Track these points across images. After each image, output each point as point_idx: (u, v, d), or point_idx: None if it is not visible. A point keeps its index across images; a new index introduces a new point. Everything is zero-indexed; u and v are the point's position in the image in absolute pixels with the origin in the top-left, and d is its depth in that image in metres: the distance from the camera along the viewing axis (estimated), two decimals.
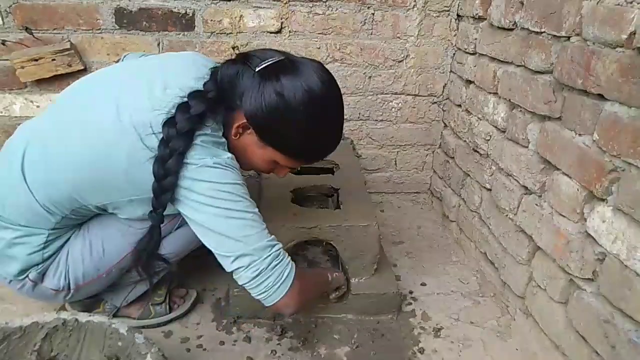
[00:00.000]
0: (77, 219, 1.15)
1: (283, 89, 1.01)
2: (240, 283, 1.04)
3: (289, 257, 1.09)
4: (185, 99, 1.02)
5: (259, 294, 1.04)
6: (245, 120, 1.05)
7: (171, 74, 1.08)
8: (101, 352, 1.08)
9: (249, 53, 1.10)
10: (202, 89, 1.05)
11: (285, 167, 1.18)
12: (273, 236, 1.06)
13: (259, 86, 1.02)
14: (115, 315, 1.34)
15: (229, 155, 1.05)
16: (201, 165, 1.00)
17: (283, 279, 1.04)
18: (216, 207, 1.00)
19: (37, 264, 1.14)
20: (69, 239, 1.17)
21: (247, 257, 1.01)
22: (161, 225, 1.10)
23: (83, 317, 1.08)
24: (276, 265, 1.04)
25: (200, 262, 1.67)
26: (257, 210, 1.05)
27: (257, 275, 1.02)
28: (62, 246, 1.16)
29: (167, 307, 1.38)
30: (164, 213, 1.06)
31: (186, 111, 1.00)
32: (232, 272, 1.03)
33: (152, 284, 1.25)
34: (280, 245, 1.07)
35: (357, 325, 1.41)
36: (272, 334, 1.36)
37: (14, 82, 1.75)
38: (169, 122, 0.99)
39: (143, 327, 1.31)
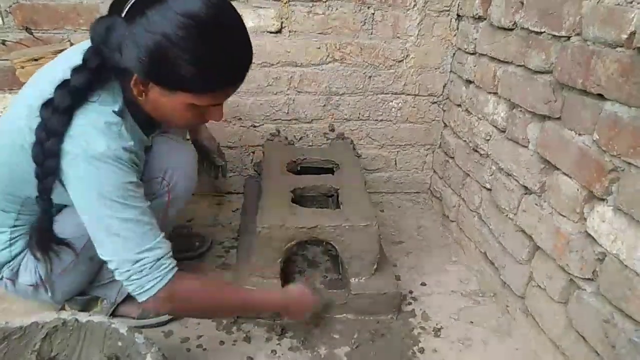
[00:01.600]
0: (34, 215, 1.12)
1: (153, 25, 0.87)
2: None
3: (163, 268, 0.99)
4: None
5: (131, 292, 1.01)
6: (136, 75, 0.94)
7: (61, 60, 1.04)
8: (101, 352, 1.08)
9: (115, 0, 0.96)
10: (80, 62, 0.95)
11: (208, 108, 1.04)
12: (151, 243, 0.98)
13: (130, 32, 0.89)
14: (114, 315, 1.34)
15: (117, 145, 0.96)
16: (76, 156, 0.93)
17: (144, 289, 0.98)
18: (89, 207, 0.97)
19: (8, 262, 1.18)
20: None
21: (113, 264, 0.98)
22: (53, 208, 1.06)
23: (83, 317, 1.08)
24: (135, 280, 0.98)
25: (200, 262, 1.68)
26: (138, 210, 0.98)
27: (124, 280, 0.99)
28: (27, 242, 1.17)
29: None
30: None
31: (64, 86, 0.94)
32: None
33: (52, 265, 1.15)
34: (156, 254, 0.99)
35: (357, 325, 1.41)
36: (272, 333, 1.36)
37: (14, 82, 1.74)
38: (47, 102, 0.94)
39: (142, 327, 1.31)
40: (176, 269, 1.02)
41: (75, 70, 0.95)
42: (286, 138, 2.07)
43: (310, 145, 2.11)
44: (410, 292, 1.58)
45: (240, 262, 1.50)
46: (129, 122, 1.05)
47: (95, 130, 0.95)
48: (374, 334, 1.38)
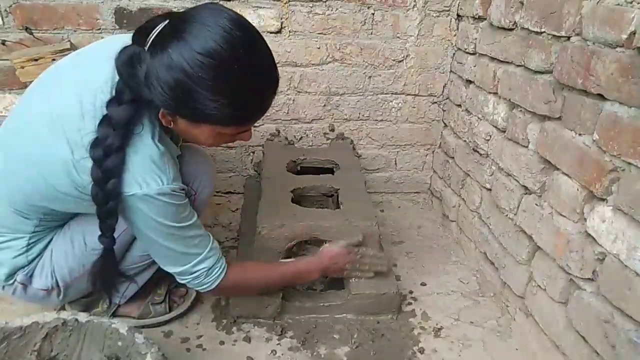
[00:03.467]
0: (56, 221, 1.16)
1: (173, 62, 0.87)
2: None
3: (215, 273, 1.17)
4: (105, 113, 0.95)
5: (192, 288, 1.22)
6: (162, 109, 0.95)
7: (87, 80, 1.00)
8: (101, 352, 1.08)
9: (140, 27, 0.95)
10: (114, 94, 0.95)
11: (237, 133, 1.05)
12: (203, 253, 1.14)
13: (153, 67, 0.88)
14: (114, 315, 1.34)
15: (167, 180, 1.00)
16: (133, 195, 0.97)
17: (202, 288, 1.18)
18: (148, 236, 1.07)
19: (23, 267, 1.16)
20: (52, 239, 1.18)
21: (173, 272, 1.15)
22: (114, 246, 1.09)
23: (83, 317, 1.08)
24: (195, 283, 1.17)
25: None
26: (190, 228, 1.10)
27: (184, 283, 1.18)
28: (46, 247, 1.18)
29: (167, 306, 1.38)
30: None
31: (109, 124, 0.94)
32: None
33: (112, 296, 1.32)
34: (208, 263, 1.15)
35: (357, 325, 1.41)
36: (272, 333, 1.36)
37: (14, 82, 1.74)
38: (95, 142, 0.94)
39: (143, 326, 1.31)
40: (226, 268, 1.19)
41: (112, 104, 0.94)
42: (286, 138, 2.07)
43: (310, 145, 2.11)
44: (410, 292, 1.58)
45: None
46: (165, 140, 1.06)
47: (149, 169, 0.98)
48: (374, 334, 1.38)
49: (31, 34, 1.73)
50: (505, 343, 1.38)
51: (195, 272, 1.14)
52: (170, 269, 1.14)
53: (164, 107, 0.94)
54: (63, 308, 1.35)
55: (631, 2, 0.95)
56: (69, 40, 1.76)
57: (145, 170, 0.98)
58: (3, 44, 1.72)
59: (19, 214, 1.10)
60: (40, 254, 1.18)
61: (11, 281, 1.17)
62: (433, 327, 1.42)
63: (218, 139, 1.05)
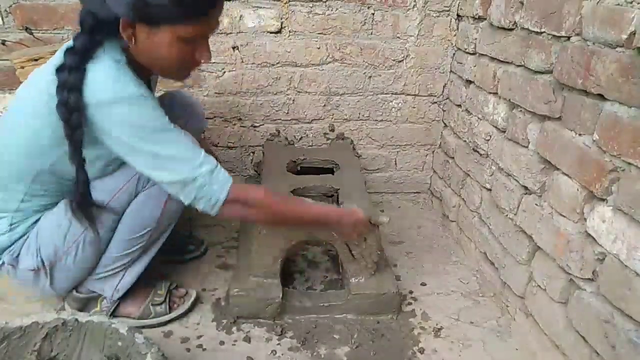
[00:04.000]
0: (40, 197, 1.20)
1: None
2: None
3: (221, 177, 1.10)
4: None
5: (203, 210, 1.11)
6: (124, 19, 1.00)
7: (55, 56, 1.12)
8: (101, 352, 1.08)
9: None
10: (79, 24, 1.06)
11: (196, 41, 1.08)
12: (200, 158, 1.08)
13: None
14: (114, 315, 1.34)
15: (137, 84, 1.05)
16: (108, 103, 1.01)
17: (212, 202, 1.09)
18: (135, 145, 1.05)
19: (6, 247, 1.21)
20: (37, 221, 1.22)
21: (176, 188, 1.08)
22: (86, 168, 1.11)
23: (83, 317, 1.08)
24: (202, 196, 1.08)
25: (199, 263, 1.68)
26: (176, 133, 1.08)
27: (192, 201, 1.09)
28: (29, 228, 1.22)
29: (167, 307, 1.38)
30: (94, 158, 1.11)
31: (71, 51, 1.03)
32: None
33: (97, 231, 1.21)
34: (208, 167, 1.08)
35: (357, 325, 1.41)
36: (272, 334, 1.36)
37: (14, 82, 1.73)
38: (60, 67, 1.02)
39: (143, 327, 1.31)
40: (231, 177, 1.11)
41: (76, 36, 1.05)
42: (286, 138, 2.07)
43: (310, 145, 2.11)
44: (410, 292, 1.58)
45: (241, 262, 1.50)
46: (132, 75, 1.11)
47: (114, 76, 1.03)
48: (374, 334, 1.38)
49: (31, 34, 1.73)
50: (505, 343, 1.38)
51: (197, 177, 1.06)
52: (170, 182, 1.07)
53: (123, 14, 1.00)
54: (63, 308, 1.36)
55: (631, 2, 0.95)
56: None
57: (111, 79, 1.03)
58: (3, 44, 1.72)
59: (4, 190, 1.17)
60: (23, 234, 1.21)
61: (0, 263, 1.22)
62: (433, 327, 1.42)
63: (178, 50, 1.06)
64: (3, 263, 1.23)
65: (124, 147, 1.06)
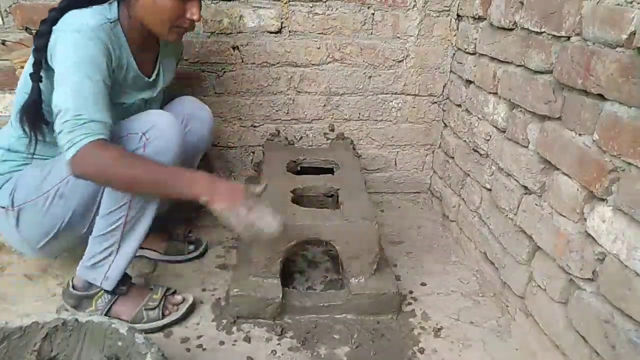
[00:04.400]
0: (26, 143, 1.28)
1: None
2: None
3: (94, 128, 1.10)
4: None
5: (62, 146, 1.12)
6: None
7: None
8: (101, 352, 1.08)
9: None
10: None
11: (185, 3, 1.25)
12: (93, 108, 1.12)
13: None
14: (107, 315, 1.33)
15: (96, 24, 1.18)
16: (64, 31, 1.16)
17: (73, 143, 1.09)
18: (64, 64, 1.14)
19: None
20: (23, 164, 1.32)
21: (59, 110, 1.11)
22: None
23: (83, 317, 1.08)
24: (69, 132, 1.09)
25: (199, 263, 1.68)
26: (97, 85, 1.14)
27: (61, 130, 1.11)
28: (13, 168, 1.32)
29: (161, 312, 1.36)
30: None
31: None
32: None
33: (37, 139, 1.28)
34: (92, 116, 1.11)
35: (357, 325, 1.41)
36: (272, 334, 1.36)
37: (13, 82, 1.73)
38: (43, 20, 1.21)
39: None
40: (104, 137, 1.12)
41: None
42: (286, 138, 2.07)
43: (310, 145, 2.11)
44: (410, 292, 1.58)
45: (240, 262, 1.50)
46: (118, 33, 1.26)
47: (84, 14, 1.19)
48: (374, 334, 1.38)
49: (31, 33, 1.72)
50: (505, 343, 1.38)
51: (78, 115, 1.09)
52: (60, 103, 1.11)
53: None
54: (64, 309, 1.36)
55: (631, 2, 0.95)
56: None
57: (79, 15, 1.19)
58: (3, 44, 1.72)
59: (9, 125, 1.33)
60: (6, 172, 1.32)
61: None
62: (433, 327, 1.42)
63: (171, 5, 1.23)
64: None
65: (57, 65, 1.15)
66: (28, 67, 1.23)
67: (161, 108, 1.51)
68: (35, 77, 1.20)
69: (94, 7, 1.22)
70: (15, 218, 1.30)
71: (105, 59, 1.18)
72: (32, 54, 1.20)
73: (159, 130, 1.23)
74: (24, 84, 1.25)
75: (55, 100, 1.12)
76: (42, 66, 1.19)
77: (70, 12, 1.19)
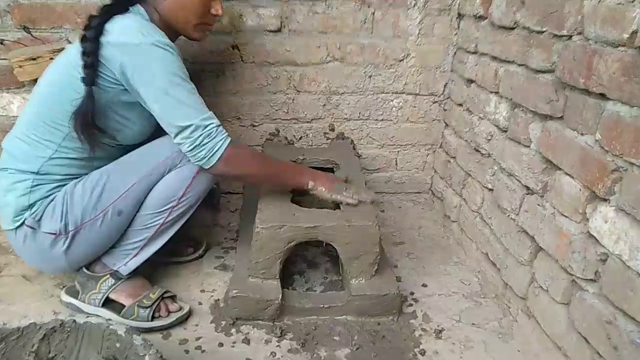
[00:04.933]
0: (66, 159, 1.28)
1: None
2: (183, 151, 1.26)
3: (224, 133, 1.26)
4: None
5: (197, 162, 1.25)
6: None
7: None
8: (99, 354, 1.07)
9: None
10: None
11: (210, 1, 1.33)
12: (209, 112, 1.25)
13: None
14: (105, 302, 1.36)
15: (165, 37, 1.22)
16: (137, 45, 1.18)
17: (214, 150, 1.24)
18: (159, 83, 1.19)
19: (25, 209, 1.25)
20: (58, 186, 1.28)
21: (187, 131, 1.21)
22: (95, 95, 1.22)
23: (81, 318, 1.08)
24: (207, 142, 1.23)
25: (199, 264, 1.68)
26: (193, 87, 1.24)
27: (196, 146, 1.22)
28: (50, 191, 1.27)
29: (151, 314, 1.35)
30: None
31: (96, 14, 1.23)
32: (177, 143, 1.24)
33: (94, 150, 1.29)
34: (216, 121, 1.25)
35: (358, 326, 1.40)
36: (272, 335, 1.35)
37: (11, 81, 1.74)
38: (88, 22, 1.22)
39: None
40: (230, 137, 1.27)
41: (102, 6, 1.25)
42: (286, 138, 2.06)
43: (310, 145, 2.10)
44: (411, 293, 1.57)
45: (240, 263, 1.50)
46: None
47: (146, 25, 1.22)
48: (375, 336, 1.37)
49: (29, 33, 1.72)
50: (507, 344, 1.37)
51: (208, 125, 1.22)
52: (183, 123, 1.20)
53: None
54: (60, 312, 1.35)
55: (633, 1, 0.94)
56: (67, 39, 1.75)
57: (142, 26, 1.21)
58: (1, 43, 1.71)
59: (35, 144, 1.26)
60: (45, 197, 1.26)
61: (19, 223, 1.25)
62: (434, 328, 1.41)
63: (202, 3, 1.31)
64: (22, 224, 1.25)
65: (144, 86, 1.20)
66: (55, 74, 1.27)
67: None
68: (90, 81, 1.20)
69: (132, 14, 1.26)
70: (67, 243, 1.28)
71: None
72: (80, 57, 1.19)
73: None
74: (55, 92, 1.26)
75: (170, 119, 1.21)
76: (96, 71, 1.20)
77: (120, 22, 1.21)
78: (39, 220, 1.26)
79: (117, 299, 1.37)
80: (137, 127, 1.34)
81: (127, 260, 1.36)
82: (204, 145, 1.22)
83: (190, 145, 1.22)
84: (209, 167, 1.26)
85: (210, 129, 1.22)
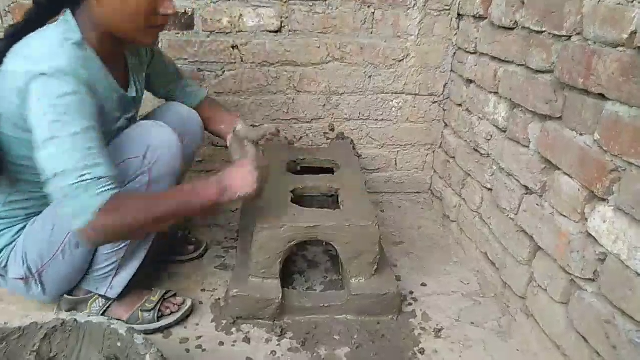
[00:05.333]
0: (20, 204, 1.20)
1: None
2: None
3: (103, 188, 0.99)
4: None
5: (70, 215, 1.00)
6: None
7: None
8: (100, 353, 1.07)
9: None
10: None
11: None
12: (95, 161, 0.99)
13: None
14: (104, 316, 1.32)
15: (66, 63, 1.00)
16: (30, 74, 0.98)
17: (83, 207, 0.98)
18: (40, 120, 0.98)
19: None
20: (22, 229, 1.21)
21: (57, 178, 0.97)
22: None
23: (82, 317, 1.08)
24: (76, 196, 0.97)
25: (199, 263, 1.68)
26: (86, 129, 1.00)
27: (64, 196, 0.98)
28: (14, 236, 1.22)
29: (156, 315, 1.35)
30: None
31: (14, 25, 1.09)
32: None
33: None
34: (99, 171, 0.99)
35: (357, 326, 1.40)
36: (272, 334, 1.36)
37: None
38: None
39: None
40: (114, 190, 1.01)
41: (25, 14, 1.09)
42: (286, 138, 2.06)
43: (310, 145, 2.10)
44: (411, 292, 1.57)
45: (240, 262, 1.50)
46: (90, 55, 1.10)
47: (46, 45, 1.03)
48: (374, 335, 1.38)
49: None
50: (506, 344, 1.37)
51: (84, 175, 0.97)
52: (55, 169, 0.97)
53: None
54: (60, 309, 1.35)
55: (632, 2, 0.95)
56: None
57: (44, 52, 1.02)
58: None
59: None
60: (9, 243, 1.21)
61: None
62: (434, 327, 1.42)
63: (145, 3, 1.07)
64: None
65: (34, 120, 0.99)
66: None
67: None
68: None
69: (49, 27, 1.08)
70: (38, 283, 1.23)
71: (89, 98, 1.03)
72: None
73: (160, 149, 1.19)
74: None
75: (44, 163, 0.98)
76: None
77: (26, 42, 1.04)
78: (5, 267, 1.22)
79: (118, 317, 1.31)
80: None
81: (109, 282, 1.29)
82: (71, 199, 0.98)
83: (57, 197, 1.00)
84: (76, 232, 1.01)
85: (81, 180, 0.97)
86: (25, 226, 1.22)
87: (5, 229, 1.21)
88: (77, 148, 0.98)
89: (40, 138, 0.98)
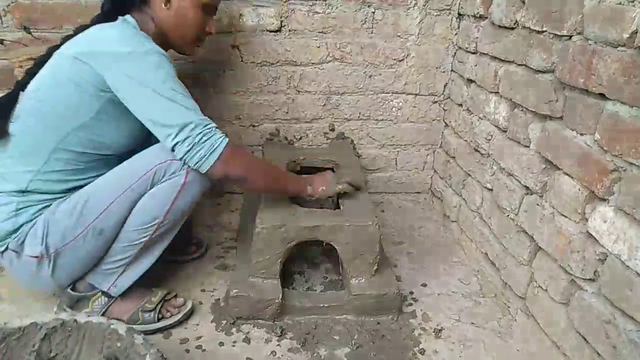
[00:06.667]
0: (52, 180, 1.23)
1: None
2: (178, 157, 1.19)
3: (223, 133, 1.22)
4: None
5: (195, 163, 1.18)
6: None
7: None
8: (100, 353, 1.07)
9: None
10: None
11: (207, 13, 1.35)
12: (205, 115, 1.21)
13: None
14: (104, 315, 1.32)
15: (150, 45, 1.19)
16: (128, 54, 1.14)
17: (213, 148, 1.19)
18: (153, 86, 1.15)
19: (10, 233, 1.20)
20: (43, 208, 1.22)
21: (187, 129, 1.15)
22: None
23: (82, 317, 1.08)
24: (207, 140, 1.18)
25: (199, 263, 1.68)
26: (188, 93, 1.20)
27: (193, 145, 1.16)
28: (35, 214, 1.21)
29: (157, 316, 1.35)
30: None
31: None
32: (171, 147, 1.17)
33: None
34: (214, 124, 1.22)
35: (358, 326, 1.40)
36: (272, 334, 1.36)
37: (11, 82, 1.73)
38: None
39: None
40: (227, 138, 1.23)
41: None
42: (286, 138, 2.06)
43: (310, 145, 2.10)
44: (411, 292, 1.57)
45: (240, 262, 1.50)
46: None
47: (133, 34, 1.20)
48: (375, 335, 1.38)
49: (29, 33, 1.73)
50: (507, 344, 1.37)
51: (208, 124, 1.19)
52: (184, 120, 1.15)
53: None
54: (62, 308, 1.35)
55: (633, 2, 0.95)
56: None
57: (133, 36, 1.19)
58: (1, 43, 1.71)
59: (17, 164, 1.21)
60: (29, 220, 1.21)
61: (3, 248, 1.21)
62: (434, 327, 1.41)
63: (200, 17, 1.32)
64: (6, 249, 1.21)
65: (133, 93, 1.16)
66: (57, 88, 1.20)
67: None
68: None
69: (110, 24, 1.23)
70: (51, 264, 1.23)
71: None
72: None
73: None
74: (62, 111, 1.20)
75: (165, 119, 1.15)
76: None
77: (99, 32, 1.21)
78: (22, 243, 1.21)
79: (118, 317, 1.31)
80: (117, 137, 1.28)
81: (114, 280, 1.30)
82: (203, 143, 1.16)
83: (189, 145, 1.15)
84: (207, 167, 1.19)
85: (209, 127, 1.18)
86: (45, 207, 1.23)
87: (27, 205, 1.21)
88: (192, 104, 1.19)
89: (150, 98, 1.15)
